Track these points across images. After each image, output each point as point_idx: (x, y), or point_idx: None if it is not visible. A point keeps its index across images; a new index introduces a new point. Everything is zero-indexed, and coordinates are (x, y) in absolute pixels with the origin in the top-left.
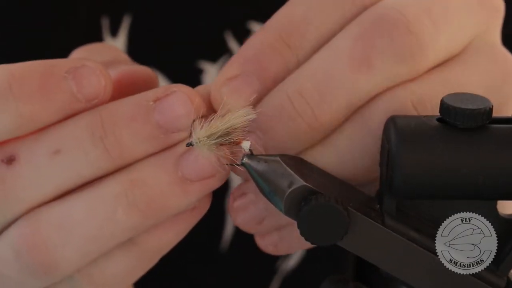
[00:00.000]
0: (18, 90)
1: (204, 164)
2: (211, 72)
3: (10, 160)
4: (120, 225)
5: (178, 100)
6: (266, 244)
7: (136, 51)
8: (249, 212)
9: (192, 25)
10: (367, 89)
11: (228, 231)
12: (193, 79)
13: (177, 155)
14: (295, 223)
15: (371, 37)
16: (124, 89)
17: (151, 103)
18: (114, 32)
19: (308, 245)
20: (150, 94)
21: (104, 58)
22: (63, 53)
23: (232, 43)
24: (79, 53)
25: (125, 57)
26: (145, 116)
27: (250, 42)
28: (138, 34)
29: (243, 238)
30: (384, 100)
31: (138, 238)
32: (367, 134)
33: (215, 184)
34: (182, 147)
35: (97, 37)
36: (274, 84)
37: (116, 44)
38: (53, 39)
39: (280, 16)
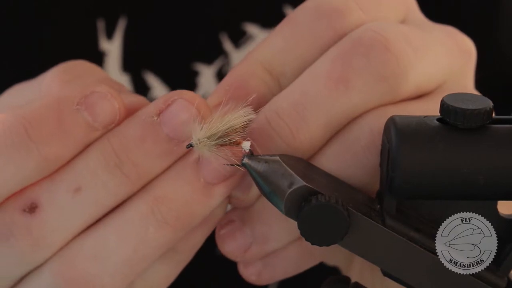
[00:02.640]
0: (36, 134)
1: (224, 164)
2: (206, 74)
3: (32, 208)
4: (154, 243)
5: (180, 107)
6: (249, 273)
7: (131, 54)
8: (235, 240)
9: (187, 27)
10: (347, 108)
11: None
12: (188, 81)
13: (194, 162)
14: (279, 251)
15: (349, 57)
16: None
17: (155, 118)
18: (109, 35)
19: (292, 273)
20: (151, 109)
21: (88, 83)
22: (60, 56)
23: (227, 44)
24: (59, 74)
25: (105, 75)
26: (154, 133)
27: (234, 70)
28: (134, 36)
29: None
30: (367, 121)
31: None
32: (351, 156)
33: (237, 181)
34: (196, 154)
35: (93, 40)
36: (259, 107)
37: (111, 47)
38: (48, 41)
39: (261, 46)
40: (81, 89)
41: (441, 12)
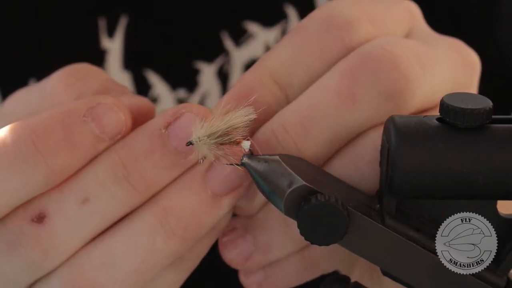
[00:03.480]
0: (44, 146)
1: (231, 176)
2: (207, 72)
3: (41, 218)
4: (162, 254)
5: (188, 121)
6: (250, 283)
7: (132, 52)
8: (237, 247)
9: (188, 25)
10: (353, 124)
11: None
12: (189, 79)
13: (202, 174)
14: (281, 261)
15: (357, 73)
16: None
17: (164, 130)
18: (111, 33)
19: (293, 284)
20: (160, 121)
21: (92, 86)
22: (61, 55)
23: (228, 43)
24: (63, 78)
25: (108, 77)
26: (162, 146)
27: (241, 79)
28: (135, 35)
29: None
30: (372, 137)
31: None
32: (356, 171)
33: (243, 192)
34: (203, 165)
35: (94, 38)
36: (265, 117)
37: (113, 45)
38: (49, 39)
39: (269, 56)
40: (87, 100)
41: (441, 11)
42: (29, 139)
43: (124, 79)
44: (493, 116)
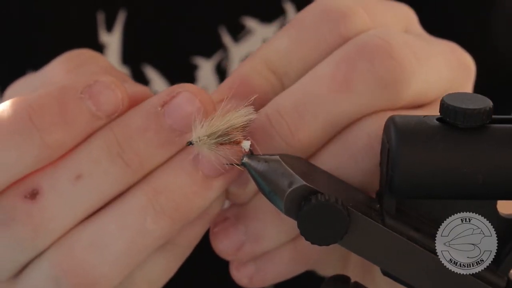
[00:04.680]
0: (40, 121)
1: (222, 159)
2: (205, 67)
3: (33, 195)
4: (152, 234)
5: (185, 100)
6: (241, 276)
7: (131, 47)
8: (228, 237)
9: (186, 20)
10: (347, 111)
11: None
12: (187, 74)
13: (194, 156)
14: (272, 252)
15: (353, 61)
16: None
17: (159, 108)
18: (109, 27)
19: (284, 277)
20: (155, 100)
21: (92, 71)
22: (58, 48)
23: (226, 38)
24: (64, 63)
25: (109, 64)
26: (157, 124)
27: (238, 68)
28: (133, 29)
29: None
30: (366, 125)
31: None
32: (348, 157)
33: (235, 175)
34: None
35: (92, 32)
36: (262, 106)
37: (111, 39)
38: (48, 33)
39: (266, 46)
40: (85, 78)
41: (440, 10)
42: (25, 113)
43: None
44: (493, 116)
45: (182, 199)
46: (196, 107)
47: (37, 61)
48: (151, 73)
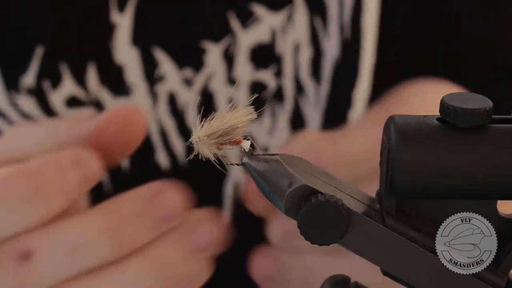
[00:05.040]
0: (45, 188)
1: (214, 234)
2: (213, 52)
3: (26, 256)
4: None
5: (173, 195)
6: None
7: (141, 29)
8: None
9: (196, 5)
10: None
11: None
12: (196, 58)
13: (188, 231)
14: None
15: None
16: (115, 130)
17: (151, 199)
18: (121, 7)
19: None
20: (146, 191)
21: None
22: (70, 25)
23: (234, 23)
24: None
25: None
26: (149, 212)
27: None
28: (145, 11)
29: (239, 234)
30: None
31: None
32: None
33: (220, 247)
34: (190, 223)
35: (104, 11)
36: None
37: (122, 20)
38: (60, 11)
39: None
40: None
41: (446, 9)
42: (31, 180)
43: (131, 55)
44: (493, 116)
45: (175, 267)
46: (182, 201)
47: (49, 37)
48: (160, 56)
